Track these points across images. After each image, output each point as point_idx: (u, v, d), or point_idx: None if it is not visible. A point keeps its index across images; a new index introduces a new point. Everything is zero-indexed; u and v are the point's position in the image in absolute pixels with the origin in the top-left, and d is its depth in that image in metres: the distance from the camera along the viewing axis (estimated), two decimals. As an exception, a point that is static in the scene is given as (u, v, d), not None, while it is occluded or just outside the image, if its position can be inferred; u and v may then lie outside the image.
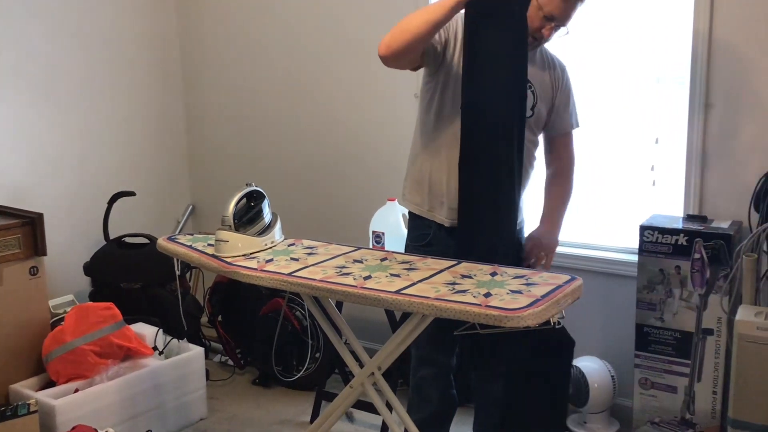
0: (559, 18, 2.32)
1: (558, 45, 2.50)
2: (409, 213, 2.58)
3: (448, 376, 2.61)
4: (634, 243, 2.77)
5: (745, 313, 2.36)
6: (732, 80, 2.69)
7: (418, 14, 2.22)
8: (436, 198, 2.44)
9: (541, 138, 2.55)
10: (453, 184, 2.38)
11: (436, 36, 2.29)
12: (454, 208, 2.40)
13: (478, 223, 2.34)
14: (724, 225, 2.66)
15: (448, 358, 2.59)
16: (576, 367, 2.99)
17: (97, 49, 3.74)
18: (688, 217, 2.77)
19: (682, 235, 2.64)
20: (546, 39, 2.38)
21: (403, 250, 2.61)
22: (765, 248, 2.45)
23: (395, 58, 2.25)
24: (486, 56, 2.26)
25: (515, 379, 2.48)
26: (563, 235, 3.14)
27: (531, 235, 2.59)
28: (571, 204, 2.68)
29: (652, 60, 2.97)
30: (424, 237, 2.49)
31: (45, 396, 2.77)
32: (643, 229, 2.72)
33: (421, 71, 2.48)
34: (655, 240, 2.69)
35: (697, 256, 2.62)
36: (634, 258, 2.79)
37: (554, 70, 2.49)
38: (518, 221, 2.47)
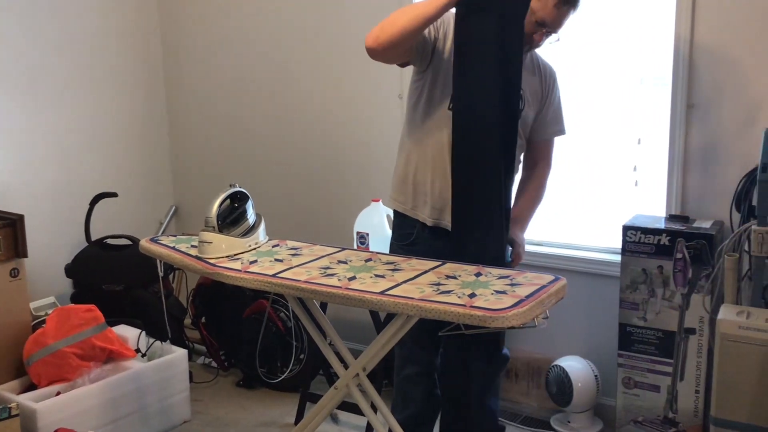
0: (550, 24, 2.32)
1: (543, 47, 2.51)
2: (394, 212, 2.57)
3: (432, 375, 2.61)
4: (617, 243, 2.79)
5: (727, 313, 2.37)
6: (714, 81, 2.71)
7: (410, 8, 2.22)
8: (419, 197, 2.44)
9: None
10: (437, 184, 2.39)
11: (426, 33, 2.29)
12: (438, 208, 2.41)
13: (472, 225, 2.33)
14: (706, 225, 2.68)
15: (433, 357, 2.59)
16: (560, 366, 3.00)
17: (78, 49, 3.71)
18: (671, 217, 2.79)
19: (664, 235, 2.66)
20: (537, 44, 2.38)
21: (387, 251, 2.61)
22: (746, 248, 2.47)
23: (383, 51, 2.24)
24: (477, 55, 2.25)
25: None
26: (546, 236, 3.17)
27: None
28: (544, 206, 2.69)
29: (635, 61, 2.99)
30: (408, 236, 2.50)
31: (26, 399, 2.74)
32: (626, 229, 2.73)
33: (407, 70, 2.48)
34: (637, 240, 2.71)
35: (679, 255, 2.63)
36: (617, 258, 2.81)
37: (544, 76, 2.50)
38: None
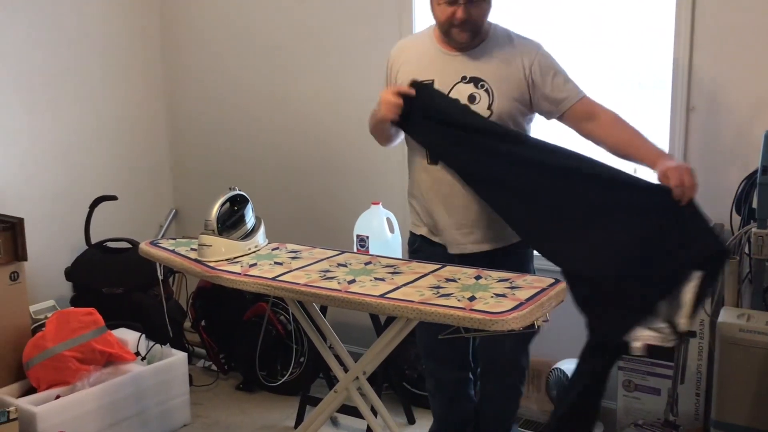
0: None
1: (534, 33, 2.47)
2: None
3: (448, 388, 2.62)
4: (618, 246, 2.78)
5: (727, 316, 2.37)
6: (713, 84, 2.71)
7: (371, 117, 2.46)
8: (417, 218, 2.50)
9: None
10: (424, 206, 2.44)
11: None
12: (430, 227, 2.46)
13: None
14: (706, 228, 2.68)
15: (450, 370, 2.59)
16: (560, 369, 2.99)
17: (78, 51, 3.70)
18: (671, 220, 2.78)
19: (664, 237, 2.65)
20: (469, 20, 2.20)
21: (387, 254, 2.62)
22: (747, 251, 2.47)
23: (382, 144, 2.55)
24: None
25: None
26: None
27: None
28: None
29: (635, 65, 2.98)
30: (413, 243, 2.56)
31: (26, 403, 2.73)
32: (626, 232, 2.72)
33: None
34: (638, 243, 2.69)
35: (679, 258, 2.62)
36: (618, 261, 2.80)
37: (517, 54, 2.29)
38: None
